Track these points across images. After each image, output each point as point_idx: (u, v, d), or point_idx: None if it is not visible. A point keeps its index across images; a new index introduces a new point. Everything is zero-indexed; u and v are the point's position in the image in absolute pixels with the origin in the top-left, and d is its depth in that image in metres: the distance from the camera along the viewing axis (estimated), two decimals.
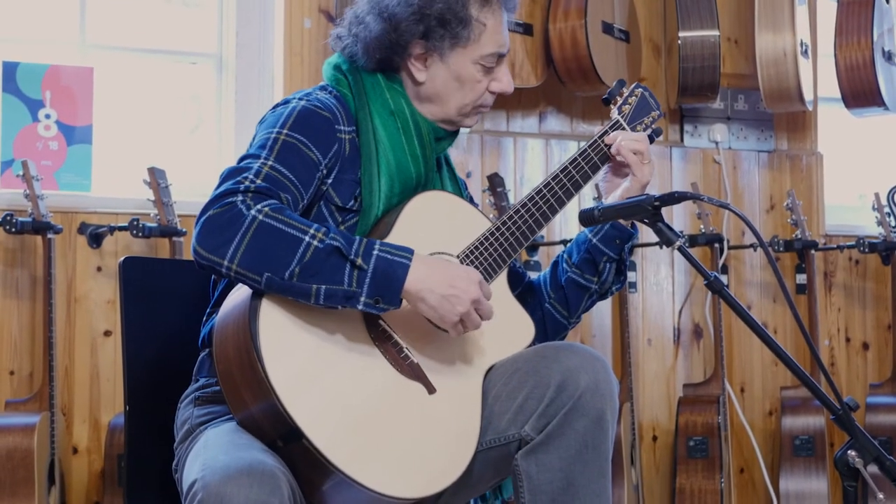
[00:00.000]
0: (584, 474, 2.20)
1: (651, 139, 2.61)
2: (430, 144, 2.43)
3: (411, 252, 2.17)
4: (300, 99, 2.36)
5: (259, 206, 2.12)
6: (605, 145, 2.53)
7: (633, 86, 2.63)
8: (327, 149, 2.31)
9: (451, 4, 2.37)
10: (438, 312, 2.18)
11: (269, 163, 2.21)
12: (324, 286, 2.10)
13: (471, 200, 2.53)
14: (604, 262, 2.53)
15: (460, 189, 2.57)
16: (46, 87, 4.03)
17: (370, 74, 2.43)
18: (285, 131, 2.27)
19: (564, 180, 2.49)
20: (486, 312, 2.23)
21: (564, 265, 2.56)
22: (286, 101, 2.38)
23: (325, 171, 2.31)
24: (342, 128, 2.35)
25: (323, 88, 2.44)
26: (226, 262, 2.09)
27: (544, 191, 2.47)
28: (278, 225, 2.11)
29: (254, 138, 2.33)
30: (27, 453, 3.53)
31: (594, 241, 2.53)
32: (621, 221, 2.51)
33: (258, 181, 2.17)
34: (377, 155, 2.36)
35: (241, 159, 2.25)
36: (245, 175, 2.18)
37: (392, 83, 2.43)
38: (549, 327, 2.56)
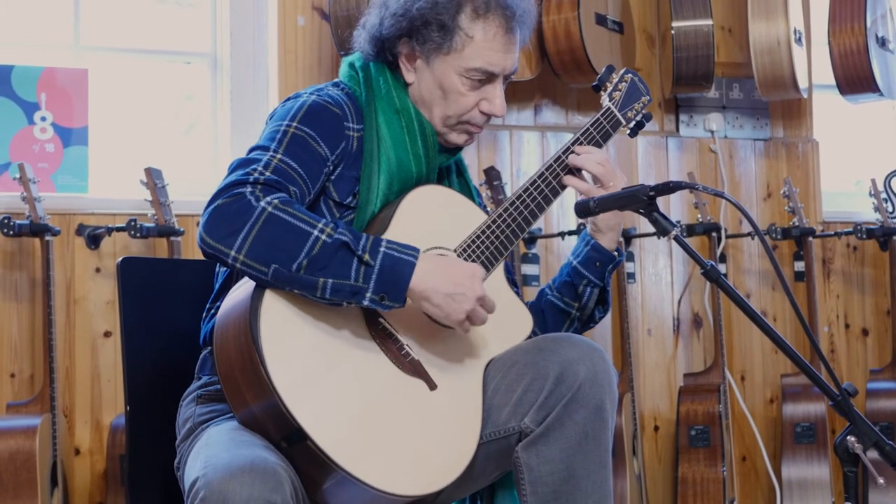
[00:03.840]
0: (585, 465, 2.20)
1: (642, 124, 2.62)
2: (434, 146, 2.42)
3: (417, 251, 2.17)
4: (311, 94, 2.36)
5: (268, 199, 2.11)
6: (604, 128, 2.55)
7: (622, 72, 2.64)
8: (335, 145, 2.31)
9: (436, 8, 2.35)
10: (444, 311, 2.18)
11: (279, 156, 2.21)
12: (331, 280, 2.10)
13: (484, 209, 2.50)
14: (583, 286, 2.54)
15: (472, 196, 2.54)
16: (42, 90, 4.03)
17: (380, 72, 2.43)
18: (295, 124, 2.27)
19: (558, 169, 2.49)
20: (490, 307, 2.23)
21: (547, 289, 2.57)
22: (297, 96, 2.38)
23: (331, 168, 2.31)
24: (351, 125, 2.35)
25: (335, 85, 2.43)
26: (232, 252, 2.08)
27: (538, 181, 2.47)
28: (287, 217, 2.10)
29: (263, 132, 2.32)
30: (29, 456, 3.52)
31: (574, 263, 2.54)
32: (604, 245, 2.52)
33: (267, 173, 2.17)
34: (378, 152, 2.35)
35: (250, 151, 2.25)
36: (254, 167, 2.18)
37: (398, 82, 2.43)
38: None
